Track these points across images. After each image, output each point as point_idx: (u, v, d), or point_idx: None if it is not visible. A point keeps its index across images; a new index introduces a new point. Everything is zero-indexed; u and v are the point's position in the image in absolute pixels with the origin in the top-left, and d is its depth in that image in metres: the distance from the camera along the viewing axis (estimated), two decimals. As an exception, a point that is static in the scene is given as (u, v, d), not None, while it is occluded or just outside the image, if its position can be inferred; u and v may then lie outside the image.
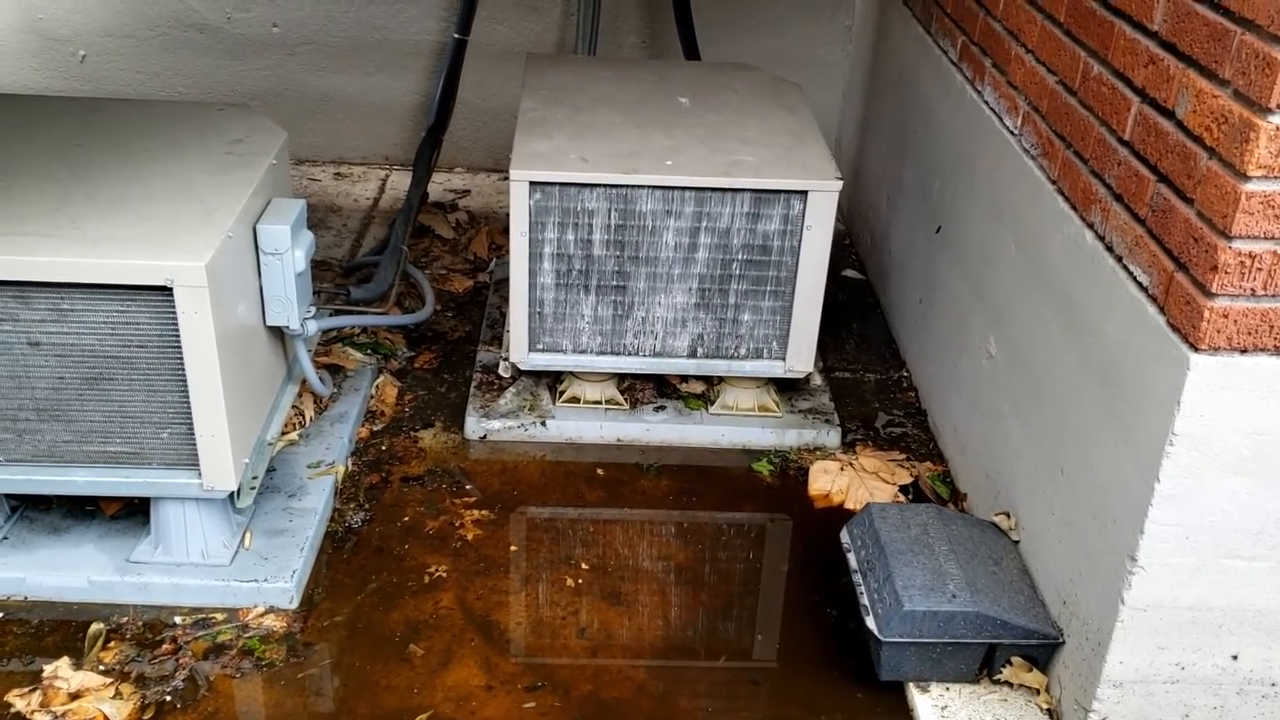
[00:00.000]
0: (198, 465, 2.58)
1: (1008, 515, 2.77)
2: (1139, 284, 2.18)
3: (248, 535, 2.79)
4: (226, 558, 2.72)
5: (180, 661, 2.53)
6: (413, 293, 3.89)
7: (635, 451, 3.32)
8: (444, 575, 2.81)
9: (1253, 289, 1.92)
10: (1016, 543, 2.72)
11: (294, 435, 3.11)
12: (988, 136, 3.03)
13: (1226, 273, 1.91)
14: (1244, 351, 1.98)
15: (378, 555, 2.86)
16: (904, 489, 3.16)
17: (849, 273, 4.35)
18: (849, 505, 3.13)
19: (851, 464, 3.23)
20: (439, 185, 4.77)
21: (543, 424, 3.31)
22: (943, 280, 3.38)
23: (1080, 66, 2.48)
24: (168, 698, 2.44)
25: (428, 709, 2.46)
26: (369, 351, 3.55)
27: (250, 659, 2.55)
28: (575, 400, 3.37)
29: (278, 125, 3.02)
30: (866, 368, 3.77)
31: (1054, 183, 2.60)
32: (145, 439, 2.57)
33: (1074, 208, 2.49)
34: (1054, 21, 2.63)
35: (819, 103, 4.86)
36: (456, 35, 4.52)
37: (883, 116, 4.18)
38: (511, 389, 3.41)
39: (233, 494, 2.66)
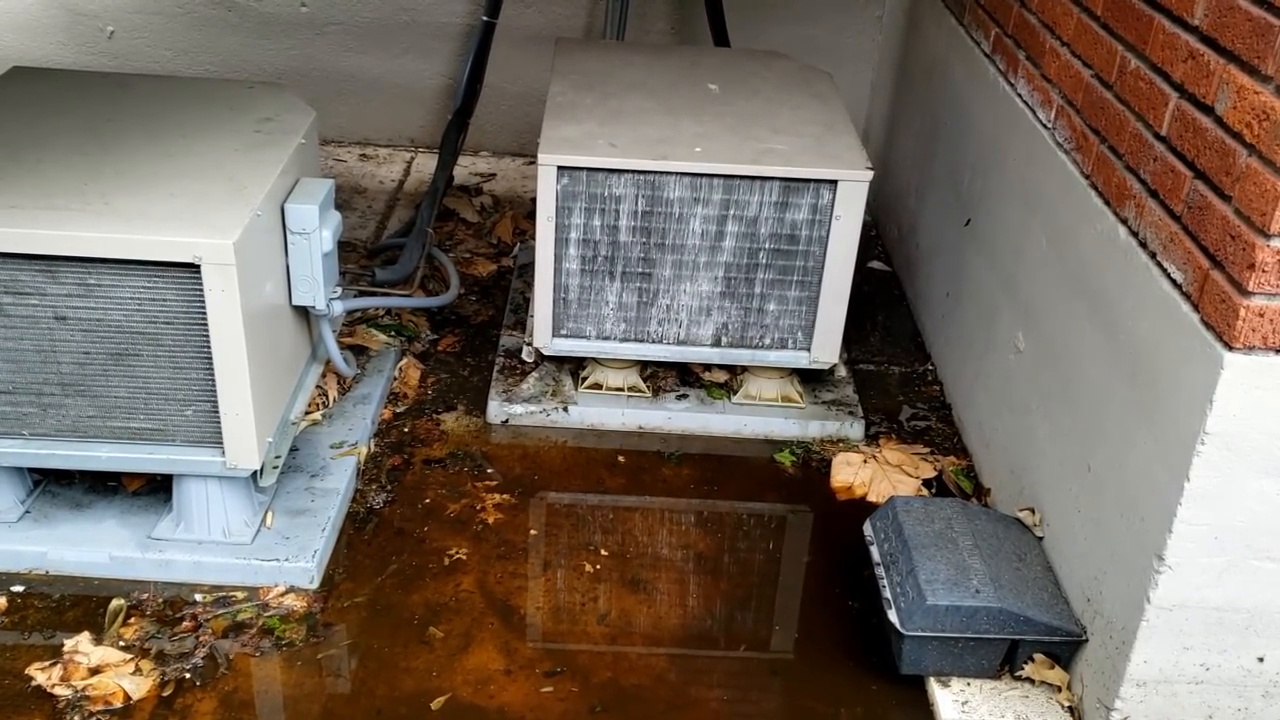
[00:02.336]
0: (221, 443, 2.59)
1: (1032, 511, 2.75)
2: (1173, 281, 2.15)
3: (269, 514, 2.79)
4: (248, 536, 2.72)
5: (200, 639, 2.53)
6: (437, 275, 3.89)
7: (657, 439, 3.31)
8: (464, 558, 2.81)
9: (1290, 288, 1.90)
10: (1040, 539, 2.70)
11: (317, 415, 3.11)
12: (1020, 130, 3.00)
13: (1264, 271, 1.89)
14: (1279, 351, 1.95)
15: (398, 537, 2.86)
16: (927, 483, 3.14)
17: (875, 264, 4.33)
18: (871, 498, 3.12)
19: (874, 456, 3.22)
20: (464, 169, 4.77)
21: (565, 410, 3.30)
22: (971, 274, 3.35)
23: (1117, 60, 2.45)
24: (187, 675, 2.44)
25: (446, 692, 2.46)
26: (392, 333, 3.55)
27: (270, 638, 2.55)
28: (598, 387, 3.37)
29: (307, 104, 3.02)
30: (891, 360, 3.75)
31: (1087, 177, 2.57)
32: (169, 416, 2.58)
33: (1107, 203, 2.46)
34: (1090, 14, 2.60)
35: (847, 93, 4.82)
36: (485, 18, 4.50)
37: (912, 108, 4.14)
38: (534, 374, 3.40)
39: (255, 473, 2.67)
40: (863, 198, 3.02)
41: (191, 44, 4.77)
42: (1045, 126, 2.84)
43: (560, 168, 2.98)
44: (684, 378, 3.45)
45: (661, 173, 2.99)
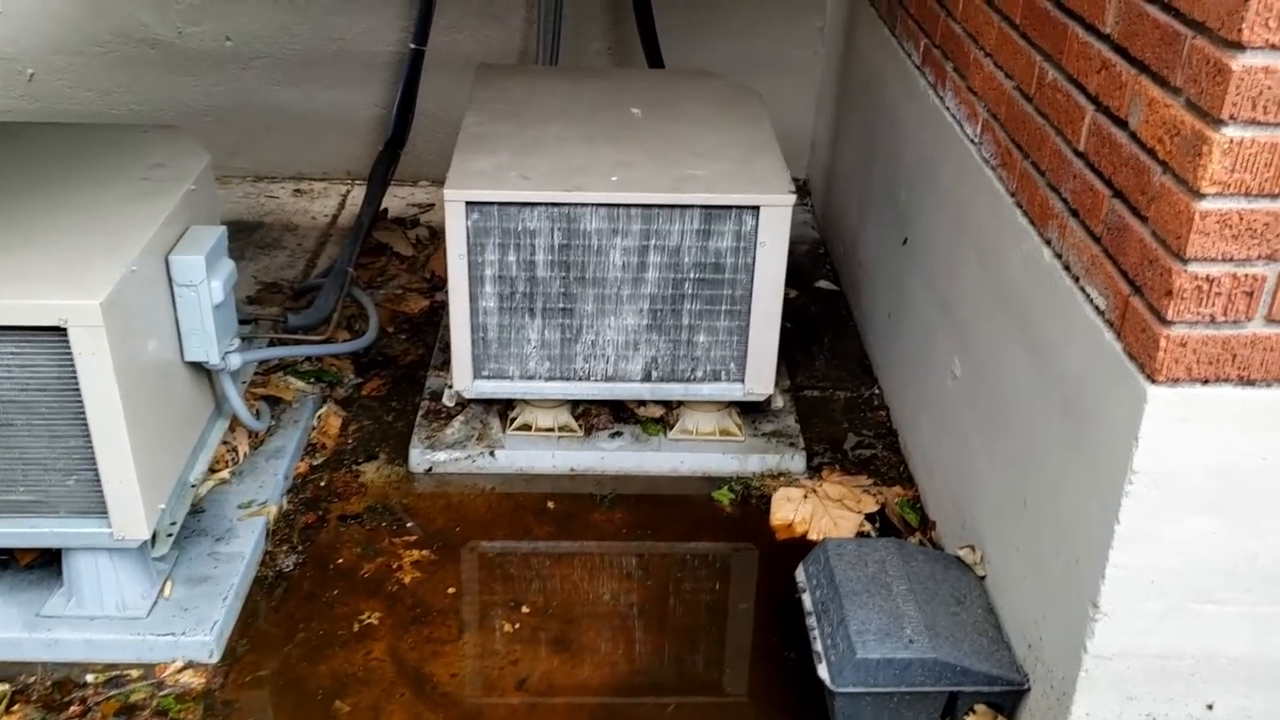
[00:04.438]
0: (107, 513, 2.43)
1: (972, 549, 2.60)
2: (1096, 307, 2.01)
3: (168, 584, 2.64)
4: (144, 609, 2.57)
5: (88, 724, 2.38)
6: (364, 314, 3.73)
7: (590, 481, 3.16)
8: (376, 623, 2.65)
9: (1212, 315, 1.75)
10: (982, 578, 2.55)
11: (225, 474, 2.95)
12: (950, 145, 2.86)
13: (1183, 298, 1.74)
14: (1206, 383, 1.81)
15: (308, 602, 2.71)
16: (870, 517, 2.99)
17: (823, 284, 4.19)
18: (812, 535, 2.97)
19: (815, 491, 3.07)
20: (401, 200, 4.62)
21: (491, 454, 3.15)
22: (910, 294, 3.21)
23: (1036, 71, 2.31)
24: (71, 765, 2.29)
25: (350, 772, 2.30)
26: (312, 380, 3.40)
27: (163, 719, 2.40)
28: (526, 428, 3.21)
29: (202, 147, 2.88)
30: (837, 385, 3.60)
31: (1012, 195, 2.43)
32: (50, 486, 2.42)
33: (1032, 223, 2.32)
34: (1010, 23, 2.47)
35: (793, 107, 4.71)
36: (413, 45, 4.37)
37: (853, 122, 4.01)
38: (460, 418, 3.25)
39: (147, 542, 2.51)
40: (787, 222, 2.87)
41: (114, 84, 4.63)
42: (973, 141, 2.70)
43: (469, 203, 2.83)
44: (618, 414, 3.30)
45: (577, 204, 2.85)
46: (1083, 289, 2.06)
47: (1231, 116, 1.62)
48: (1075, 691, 2.08)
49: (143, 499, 2.42)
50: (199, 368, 2.74)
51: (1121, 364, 1.90)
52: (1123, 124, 1.92)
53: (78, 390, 2.30)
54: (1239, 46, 1.58)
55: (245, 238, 4.33)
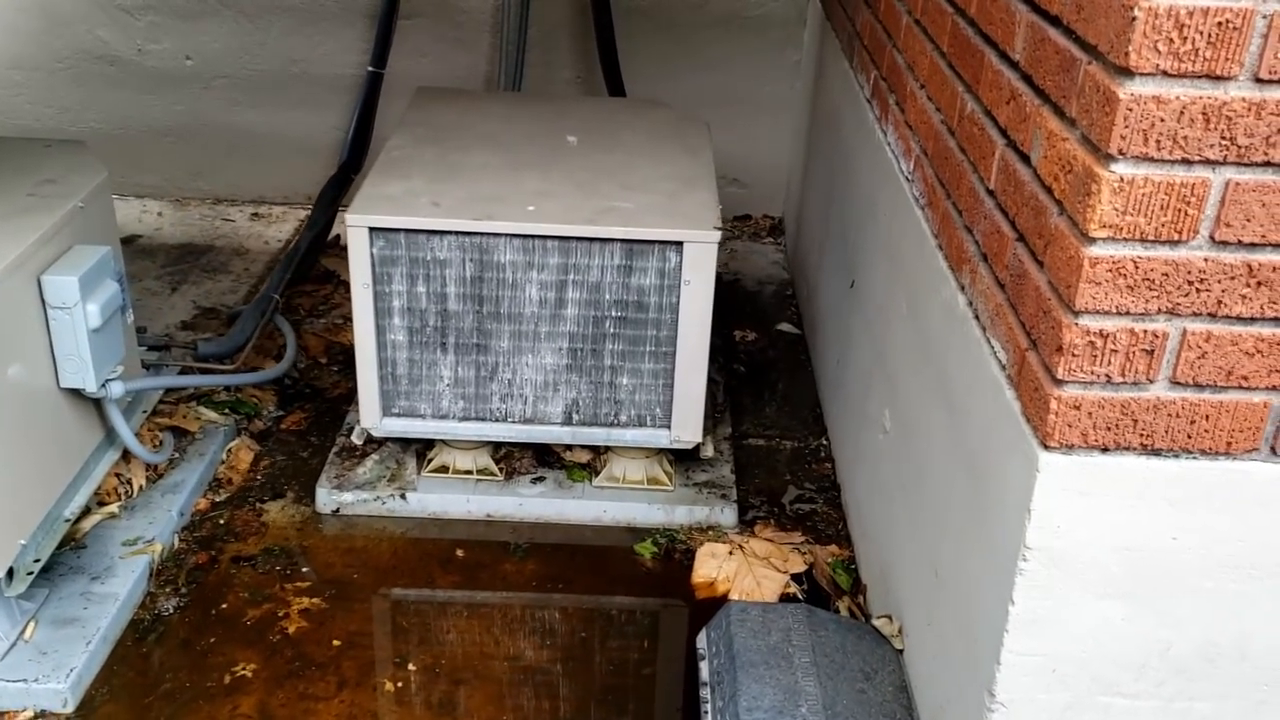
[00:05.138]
0: (-44, 549, 2.28)
1: (890, 619, 2.40)
2: (999, 362, 1.81)
3: (30, 625, 2.47)
4: (-1, 651, 2.41)
5: (-81, 777, 2.21)
6: (299, 345, 3.58)
7: (507, 529, 2.97)
8: (250, 676, 2.47)
9: (1108, 375, 1.55)
10: (900, 652, 2.34)
11: (114, 508, 2.80)
12: (888, 182, 2.68)
13: (1074, 355, 1.55)
14: (1105, 450, 1.61)
15: (181, 649, 2.54)
16: (797, 578, 2.79)
17: (785, 326, 4.00)
18: (734, 595, 2.76)
19: (742, 547, 2.87)
20: (358, 228, 4.47)
21: (403, 497, 2.97)
22: (855, 340, 3.02)
23: (958, 103, 2.13)
24: (-110, 822, 2.12)
25: (190, 841, 2.12)
26: (227, 411, 3.24)
27: (2, 774, 2.23)
28: (444, 470, 3.04)
29: (100, 164, 2.74)
30: (785, 434, 3.40)
31: (935, 237, 2.24)
32: (-102, 518, 2.27)
33: (951, 268, 2.13)
34: (940, 52, 2.29)
35: (770, 143, 4.55)
36: (371, 69, 4.25)
37: (818, 159, 3.83)
38: (374, 456, 3.08)
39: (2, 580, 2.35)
40: (713, 260, 2.70)
41: (74, 101, 4.53)
42: (907, 179, 2.52)
43: (373, 229, 2.67)
44: (543, 458, 3.12)
45: (489, 234, 2.68)
46: (989, 340, 1.87)
47: (1121, 151, 1.42)
48: (973, 788, 1.87)
49: (-4, 533, 2.27)
50: (82, 395, 2.59)
51: (1018, 426, 1.70)
52: (1026, 159, 1.73)
53: (-81, 417, 2.15)
54: (1127, 73, 1.40)
55: (192, 261, 4.20)
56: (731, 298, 4.14)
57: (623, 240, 2.69)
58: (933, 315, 2.22)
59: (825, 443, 3.34)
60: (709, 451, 3.04)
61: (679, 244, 2.68)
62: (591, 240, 2.69)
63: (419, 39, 4.40)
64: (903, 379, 2.47)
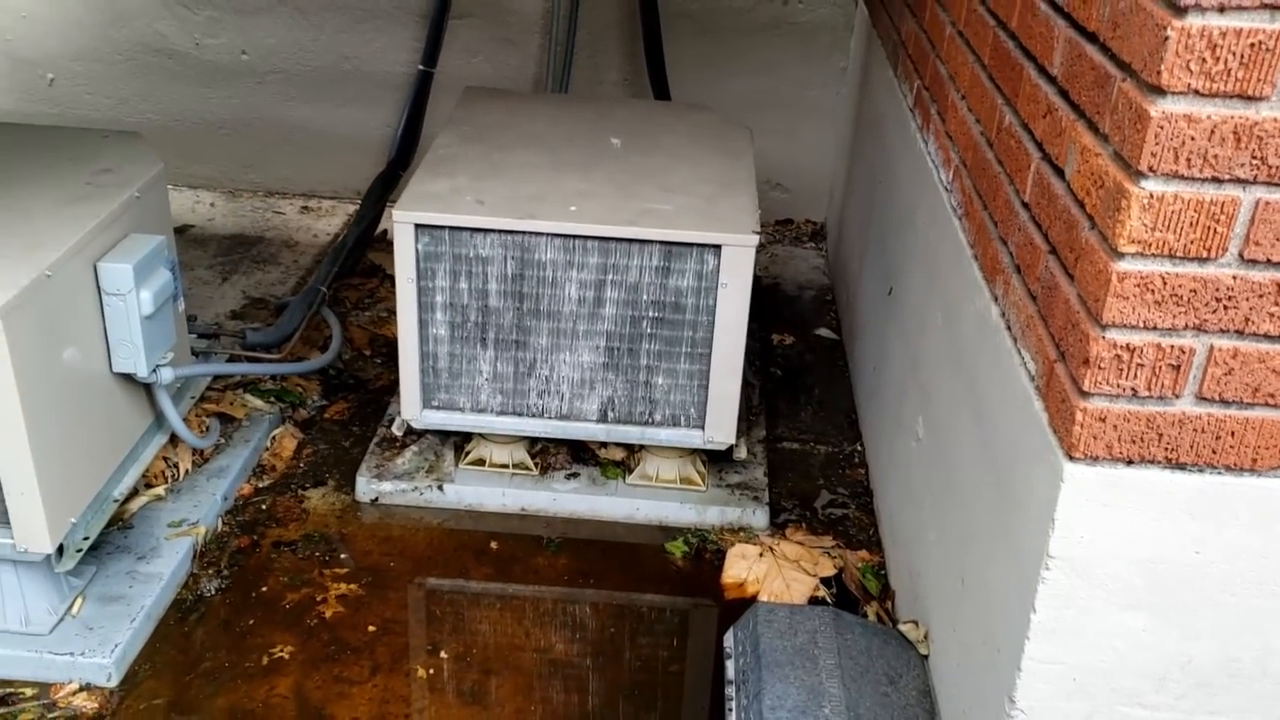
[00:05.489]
0: (9, 524, 2.35)
1: (916, 625, 2.42)
2: (1029, 372, 1.84)
3: (78, 601, 2.55)
4: (47, 626, 2.48)
5: (-32, 743, 2.29)
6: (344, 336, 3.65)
7: (540, 523, 3.02)
8: (287, 658, 2.54)
9: (1134, 389, 1.57)
10: (925, 657, 2.36)
11: (160, 490, 2.87)
12: (927, 191, 2.70)
13: (1101, 367, 1.57)
14: (1130, 463, 1.62)
15: (222, 630, 2.60)
16: (827, 581, 2.81)
17: (823, 331, 4.02)
18: (763, 596, 2.79)
19: (772, 549, 2.90)
20: (404, 223, 4.54)
21: (440, 488, 3.03)
22: (890, 348, 3.04)
23: (997, 115, 2.15)
24: (-60, 785, 2.20)
25: (225, 815, 2.18)
26: (272, 399, 3.31)
27: (47, 743, 2.30)
28: (480, 463, 3.09)
29: (155, 155, 2.82)
30: (819, 439, 3.43)
31: (972, 247, 2.26)
32: (-46, 493, 2.35)
33: (985, 278, 2.15)
34: (981, 64, 2.31)
35: (814, 149, 4.58)
36: (421, 68, 4.32)
37: (861, 166, 3.85)
38: (413, 447, 3.14)
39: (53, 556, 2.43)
40: (749, 264, 2.73)
41: (132, 92, 4.64)
42: (946, 188, 2.54)
43: (419, 225, 2.73)
44: (578, 455, 3.16)
45: (531, 233, 2.73)
46: (1019, 351, 1.89)
47: (1151, 169, 1.44)
48: (991, 793, 1.89)
49: (47, 510, 2.34)
50: (133, 380, 2.66)
51: (1045, 436, 1.72)
52: (1060, 173, 1.75)
53: (-22, 396, 2.23)
54: (1159, 91, 1.42)
55: (243, 252, 4.29)
56: (771, 301, 4.16)
57: (661, 242, 2.72)
58: (966, 325, 2.24)
59: (859, 448, 3.36)
60: (742, 453, 3.07)
61: (717, 247, 2.71)
62: (631, 241, 2.73)
63: (470, 39, 4.46)
64: (936, 387, 2.49)
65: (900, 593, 2.69)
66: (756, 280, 2.76)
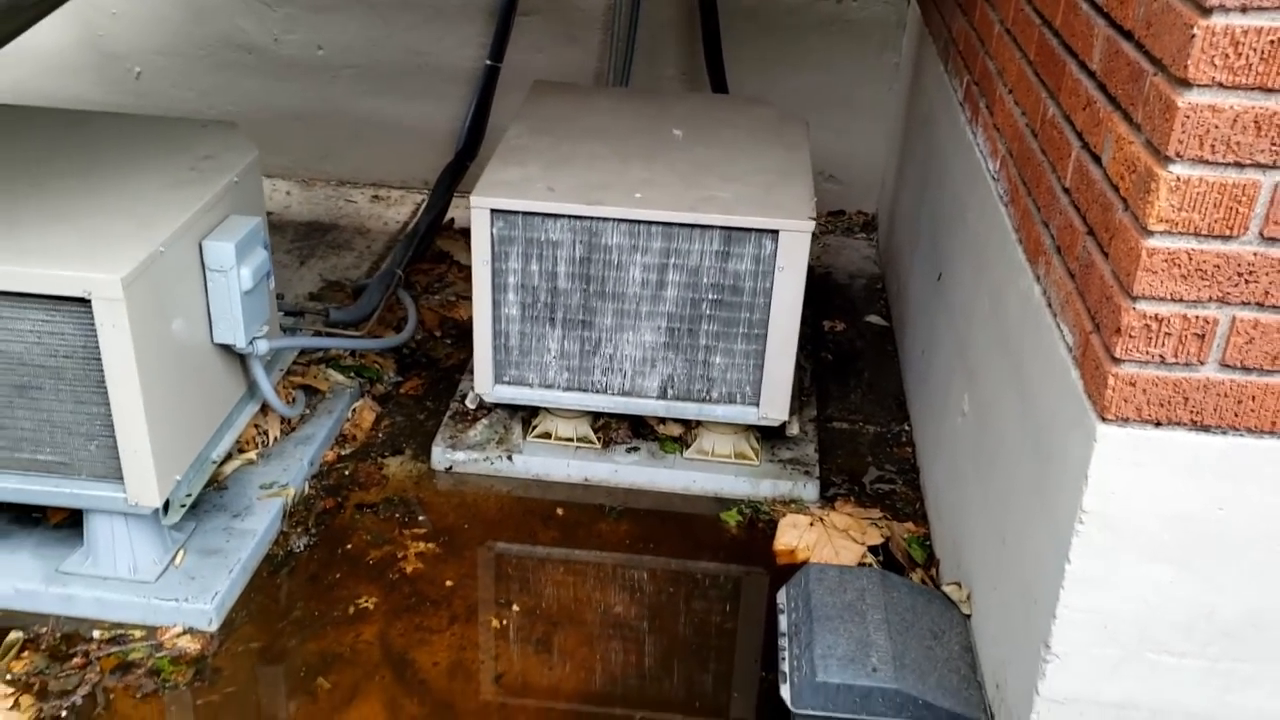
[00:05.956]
0: (123, 479, 2.57)
1: (959, 586, 2.57)
2: (1066, 345, 1.99)
3: (180, 553, 2.77)
4: (153, 574, 2.70)
5: (86, 676, 2.51)
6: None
7: (602, 493, 3.20)
8: (371, 608, 2.74)
9: (1161, 356, 1.73)
10: (967, 617, 2.52)
11: (252, 455, 3.09)
12: (976, 182, 2.85)
13: (1131, 336, 1.72)
14: (1158, 425, 1.78)
15: (311, 582, 2.81)
16: (874, 550, 2.97)
17: (873, 318, 4.17)
18: (814, 562, 2.96)
19: (822, 520, 3.06)
20: (468, 211, 4.74)
21: (509, 459, 3.22)
22: (939, 332, 3.19)
23: (1041, 108, 2.30)
24: (63, 713, 2.42)
25: (319, 746, 2.39)
26: (352, 375, 3.52)
27: (156, 679, 2.52)
28: (546, 436, 3.28)
29: (251, 143, 3.03)
30: (868, 419, 3.58)
31: (1017, 232, 2.42)
32: (74, 449, 2.57)
33: (1029, 260, 2.30)
34: (1027, 60, 2.46)
35: (866, 142, 4.72)
36: (489, 62, 4.51)
37: (912, 158, 4.00)
38: (484, 421, 3.33)
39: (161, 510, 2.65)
40: (805, 249, 2.89)
41: (213, 85, 4.88)
42: (993, 178, 2.69)
43: (494, 211, 2.92)
44: (637, 430, 3.35)
45: (598, 218, 2.91)
46: (1058, 325, 2.05)
47: (1178, 154, 1.60)
48: (1027, 735, 2.05)
49: (156, 468, 2.56)
50: (230, 351, 2.88)
51: (1080, 402, 1.88)
52: (1098, 160, 1.91)
53: (99, 359, 2.44)
54: (1186, 84, 1.57)
55: (319, 238, 4.51)
56: (823, 289, 4.32)
57: (721, 227, 2.90)
58: (1011, 305, 2.39)
59: (907, 428, 3.52)
60: (794, 430, 3.24)
61: (775, 232, 2.88)
62: (692, 227, 2.90)
63: (534, 34, 4.65)
64: (982, 366, 2.64)
65: (944, 561, 2.84)
66: (810, 269, 2.92)
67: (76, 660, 2.55)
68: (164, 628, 2.64)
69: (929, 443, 3.20)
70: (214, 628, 2.65)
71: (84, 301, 2.39)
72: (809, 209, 2.92)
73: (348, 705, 2.48)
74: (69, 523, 2.83)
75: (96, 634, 2.62)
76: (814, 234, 2.88)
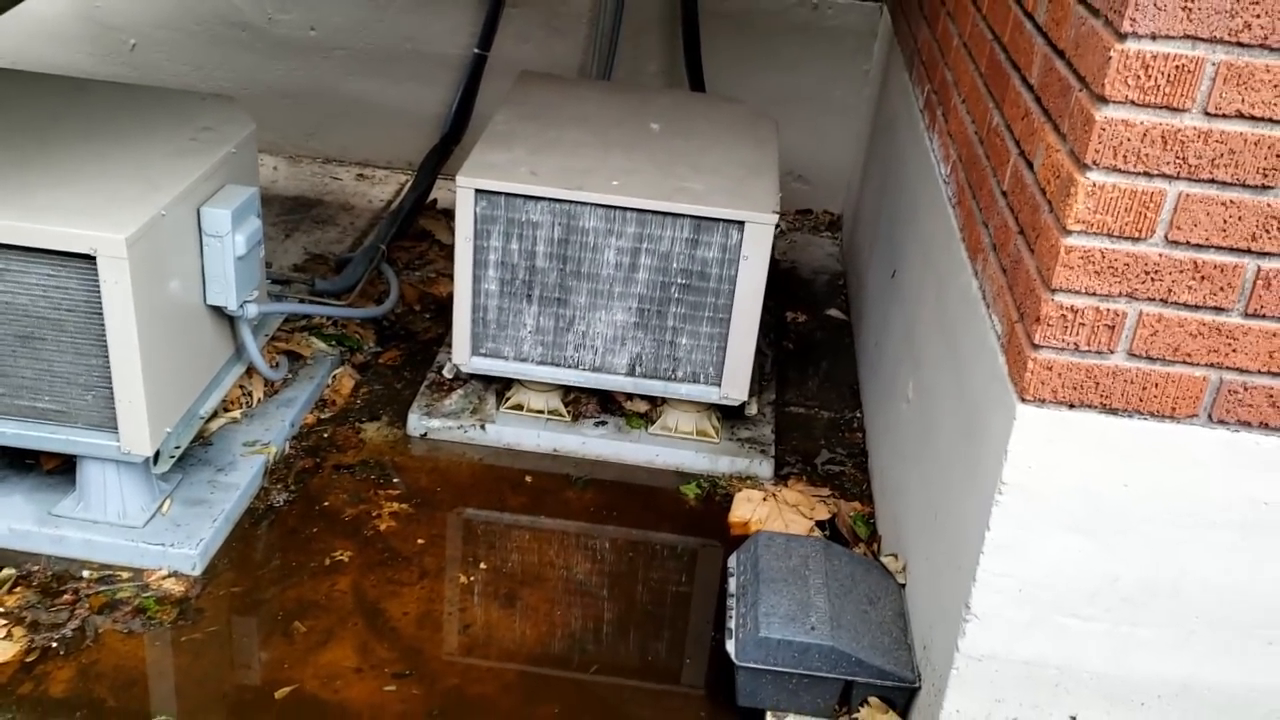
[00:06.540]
0: (117, 428, 2.73)
1: (895, 557, 2.77)
2: (996, 333, 2.18)
3: (167, 502, 2.93)
4: (141, 520, 2.86)
5: (75, 612, 2.66)
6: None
7: (570, 464, 3.38)
8: (346, 561, 2.91)
9: (1075, 344, 1.92)
10: (903, 586, 2.72)
11: (236, 414, 3.24)
12: (928, 184, 3.04)
13: (1049, 325, 1.92)
14: (1072, 407, 1.97)
15: (290, 535, 2.98)
16: (821, 524, 3.17)
17: (833, 312, 4.36)
18: (764, 530, 3.14)
19: (775, 495, 3.25)
20: (450, 193, 4.90)
21: (482, 428, 3.40)
22: (891, 325, 3.38)
23: (988, 117, 2.50)
24: (53, 644, 2.57)
25: (294, 683, 2.55)
26: (334, 343, 3.68)
27: (141, 617, 2.68)
28: (519, 408, 3.46)
29: (248, 116, 3.18)
30: (823, 406, 3.78)
31: (961, 231, 2.61)
32: (72, 399, 2.72)
33: (970, 257, 2.50)
34: (979, 72, 2.65)
35: (836, 145, 4.92)
36: (477, 50, 4.68)
37: (876, 162, 4.20)
38: (459, 391, 3.51)
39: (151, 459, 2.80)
40: (769, 239, 3.08)
41: (208, 60, 5.01)
42: (944, 182, 2.88)
43: (478, 190, 3.09)
44: (606, 406, 3.53)
45: (577, 202, 3.09)
46: (990, 316, 2.24)
47: (1095, 162, 1.79)
48: (948, 688, 2.24)
49: (149, 419, 2.72)
50: (221, 314, 3.03)
51: (1005, 384, 2.07)
52: (1030, 166, 2.10)
53: (100, 314, 2.60)
54: (1104, 100, 1.76)
55: (304, 212, 4.66)
56: (787, 283, 4.51)
57: (692, 216, 3.08)
58: (952, 299, 2.59)
59: (859, 415, 3.71)
60: (753, 411, 3.43)
61: (741, 223, 3.07)
62: (665, 214, 3.08)
63: (522, 26, 4.82)
64: (925, 355, 2.84)
65: (885, 536, 3.04)
66: (775, 263, 3.12)
67: (66, 597, 2.71)
68: (150, 570, 2.80)
69: (878, 428, 3.39)
70: (197, 572, 2.81)
71: (89, 258, 2.54)
72: (773, 202, 3.10)
73: (322, 647, 2.65)
74: (62, 469, 2.98)
75: (86, 574, 2.78)
76: (781, 229, 3.07)
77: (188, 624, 2.68)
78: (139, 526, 2.85)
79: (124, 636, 2.62)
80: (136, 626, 2.65)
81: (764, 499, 3.24)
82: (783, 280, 4.52)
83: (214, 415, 3.18)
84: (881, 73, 4.41)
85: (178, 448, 2.91)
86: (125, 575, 2.78)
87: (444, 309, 4.06)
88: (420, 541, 3.01)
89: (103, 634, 2.62)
